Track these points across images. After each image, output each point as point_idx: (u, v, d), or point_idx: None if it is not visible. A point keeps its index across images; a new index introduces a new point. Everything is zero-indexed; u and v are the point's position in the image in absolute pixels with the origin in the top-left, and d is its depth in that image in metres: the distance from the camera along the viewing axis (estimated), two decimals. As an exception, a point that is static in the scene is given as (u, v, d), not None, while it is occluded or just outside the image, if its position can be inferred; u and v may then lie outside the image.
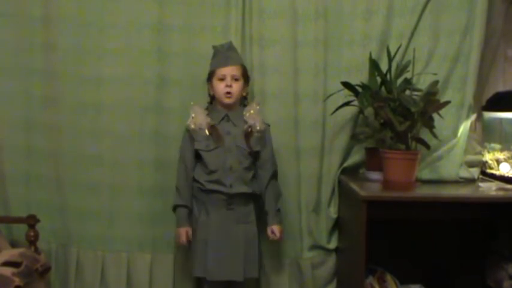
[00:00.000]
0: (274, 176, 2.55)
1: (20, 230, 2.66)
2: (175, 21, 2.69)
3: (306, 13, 2.71)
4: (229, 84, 2.44)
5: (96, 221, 2.75)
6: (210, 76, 2.50)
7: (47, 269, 2.50)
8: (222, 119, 2.48)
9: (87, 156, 2.74)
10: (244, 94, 2.54)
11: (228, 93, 2.44)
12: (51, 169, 2.78)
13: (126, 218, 2.74)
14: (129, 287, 2.77)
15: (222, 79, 2.45)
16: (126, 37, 2.68)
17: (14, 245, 2.68)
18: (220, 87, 2.45)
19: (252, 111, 2.48)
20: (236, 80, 2.46)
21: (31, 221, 2.55)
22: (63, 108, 2.73)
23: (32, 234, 2.55)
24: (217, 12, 2.70)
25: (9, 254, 2.37)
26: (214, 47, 2.53)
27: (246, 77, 2.53)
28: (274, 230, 2.50)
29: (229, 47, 2.53)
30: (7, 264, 2.27)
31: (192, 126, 2.46)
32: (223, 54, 2.49)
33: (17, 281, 2.19)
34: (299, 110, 2.74)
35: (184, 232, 2.47)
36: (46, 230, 2.70)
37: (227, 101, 2.45)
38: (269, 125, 2.56)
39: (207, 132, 2.44)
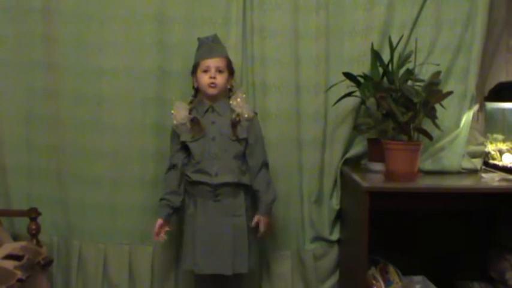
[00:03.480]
0: (264, 164, 2.51)
1: (22, 223, 2.66)
2: (176, 13, 2.68)
3: (307, 4, 2.70)
4: (213, 75, 2.42)
5: (97, 214, 2.76)
6: (195, 68, 2.48)
7: (49, 262, 2.50)
8: (207, 110, 2.46)
9: (88, 149, 2.74)
10: (229, 86, 2.51)
11: (212, 83, 2.42)
12: (52, 162, 2.78)
13: (127, 210, 2.75)
14: (131, 280, 2.78)
15: (206, 71, 2.43)
16: (126, 29, 2.67)
17: (15, 238, 2.69)
18: (204, 79, 2.43)
19: (238, 100, 2.46)
20: (220, 71, 2.44)
21: (32, 214, 2.55)
22: (64, 100, 2.73)
23: (33, 227, 2.55)
24: (218, 4, 2.69)
25: (11, 247, 2.38)
26: (198, 39, 2.52)
27: (230, 69, 2.50)
28: (259, 220, 2.45)
29: (214, 39, 2.51)
30: (9, 257, 2.28)
31: (174, 122, 2.46)
32: (208, 46, 2.47)
33: (19, 274, 2.20)
34: (301, 101, 2.73)
35: (157, 224, 2.45)
36: (48, 223, 2.71)
37: (211, 91, 2.43)
38: (256, 113, 2.53)
39: (188, 125, 2.43)
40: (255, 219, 2.46)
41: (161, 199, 2.48)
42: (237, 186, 2.44)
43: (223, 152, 2.41)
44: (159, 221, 2.44)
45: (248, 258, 2.44)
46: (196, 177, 2.42)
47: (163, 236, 2.46)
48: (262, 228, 2.46)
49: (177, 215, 2.64)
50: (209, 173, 2.40)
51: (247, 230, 2.46)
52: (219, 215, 2.42)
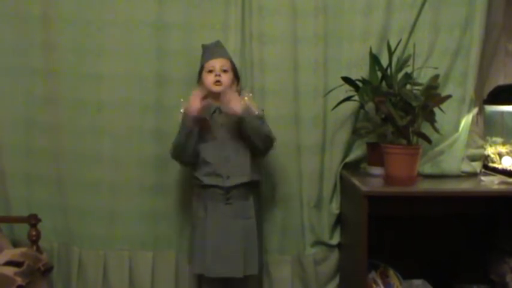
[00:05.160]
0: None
1: (22, 230, 2.66)
2: (175, 19, 2.69)
3: (306, 9, 2.70)
4: (218, 74, 2.42)
5: (97, 220, 2.75)
6: (200, 73, 2.49)
7: (49, 269, 2.50)
8: (214, 112, 2.46)
9: (88, 155, 2.74)
10: (234, 89, 2.51)
11: (218, 81, 2.42)
12: (51, 168, 2.78)
13: (127, 216, 2.75)
14: (132, 285, 2.77)
15: (211, 71, 2.44)
16: (125, 35, 2.68)
17: (15, 244, 2.69)
18: (209, 78, 2.43)
19: (245, 99, 2.43)
20: (225, 71, 2.45)
21: (32, 221, 2.55)
22: (63, 106, 2.73)
23: (33, 233, 2.55)
24: (217, 10, 2.70)
25: (11, 253, 2.38)
26: (203, 45, 2.53)
27: (235, 71, 2.51)
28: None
29: (217, 43, 2.53)
30: (9, 264, 2.28)
31: (181, 110, 2.43)
32: (211, 49, 2.49)
33: (19, 280, 2.20)
34: (300, 106, 2.73)
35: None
36: (47, 229, 2.71)
37: (217, 89, 2.42)
38: (263, 110, 2.50)
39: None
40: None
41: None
42: (248, 188, 2.44)
43: (235, 153, 2.40)
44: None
45: (258, 259, 2.46)
46: (208, 180, 2.41)
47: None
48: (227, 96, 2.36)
49: (176, 220, 2.68)
50: (221, 176, 2.39)
51: (257, 232, 2.47)
52: (230, 218, 2.41)
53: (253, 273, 2.45)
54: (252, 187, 2.47)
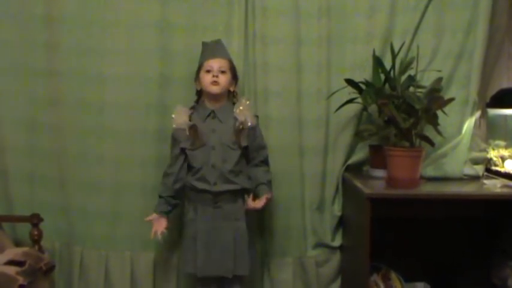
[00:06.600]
0: (265, 161, 2.53)
1: (24, 229, 2.66)
2: (178, 20, 2.69)
3: (309, 11, 2.70)
4: (216, 74, 2.41)
5: (99, 220, 2.75)
6: (198, 71, 2.48)
7: (50, 268, 2.50)
8: (208, 115, 2.45)
9: (90, 155, 2.74)
10: (231, 89, 2.50)
11: (215, 82, 2.41)
12: (54, 168, 2.78)
13: (129, 217, 2.74)
14: (133, 286, 2.77)
15: (209, 70, 2.43)
16: (128, 36, 2.68)
17: (17, 244, 2.69)
18: (206, 78, 2.42)
19: (241, 108, 2.45)
20: (223, 72, 2.44)
21: (34, 220, 2.55)
22: (66, 107, 2.73)
23: (35, 233, 2.55)
24: (220, 11, 2.70)
25: (13, 253, 2.38)
26: (203, 43, 2.52)
27: (233, 72, 2.50)
28: (267, 197, 2.43)
29: (217, 42, 2.52)
30: (11, 263, 2.28)
31: (174, 126, 2.45)
32: (211, 48, 2.49)
33: (21, 280, 2.20)
34: (302, 107, 2.73)
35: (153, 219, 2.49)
36: (50, 229, 2.70)
37: (213, 89, 2.41)
38: (257, 116, 2.53)
39: (187, 132, 2.42)
40: (264, 198, 2.42)
41: (160, 196, 2.51)
42: (237, 191, 2.44)
43: (221, 162, 2.40)
44: (157, 216, 2.48)
45: (249, 260, 2.45)
46: (199, 184, 2.41)
47: (163, 231, 2.48)
48: (261, 202, 2.43)
49: (177, 221, 2.67)
50: (209, 182, 2.40)
51: (247, 233, 2.46)
52: (220, 220, 2.42)
53: (244, 274, 2.45)
54: (241, 191, 2.46)
